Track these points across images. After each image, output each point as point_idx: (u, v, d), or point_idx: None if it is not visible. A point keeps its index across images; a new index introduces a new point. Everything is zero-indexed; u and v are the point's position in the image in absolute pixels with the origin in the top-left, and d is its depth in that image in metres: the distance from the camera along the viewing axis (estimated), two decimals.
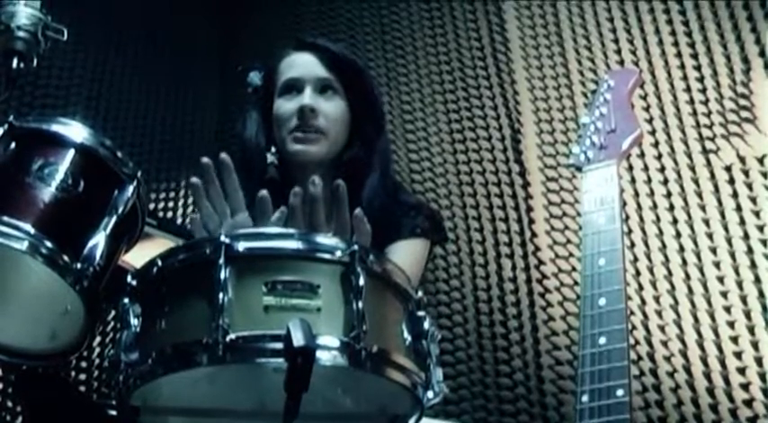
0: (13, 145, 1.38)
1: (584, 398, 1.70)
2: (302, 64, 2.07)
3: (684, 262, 2.53)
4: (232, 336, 1.13)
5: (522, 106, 3.17)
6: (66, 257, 1.25)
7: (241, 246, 1.21)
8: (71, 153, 1.37)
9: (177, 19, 4.70)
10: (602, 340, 1.73)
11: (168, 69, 4.64)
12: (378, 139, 2.10)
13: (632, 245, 2.62)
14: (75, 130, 1.40)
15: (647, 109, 2.74)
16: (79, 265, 1.25)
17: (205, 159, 1.54)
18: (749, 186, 2.47)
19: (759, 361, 2.31)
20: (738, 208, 2.47)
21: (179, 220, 4.33)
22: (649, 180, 2.69)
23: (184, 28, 4.78)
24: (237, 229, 1.47)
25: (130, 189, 1.36)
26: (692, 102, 2.67)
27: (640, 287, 2.59)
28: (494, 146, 3.21)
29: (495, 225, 3.07)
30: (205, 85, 4.82)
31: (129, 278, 1.29)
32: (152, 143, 4.45)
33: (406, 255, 1.96)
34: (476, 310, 3.00)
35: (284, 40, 4.08)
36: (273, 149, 2.05)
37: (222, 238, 1.20)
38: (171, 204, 4.30)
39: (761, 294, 2.36)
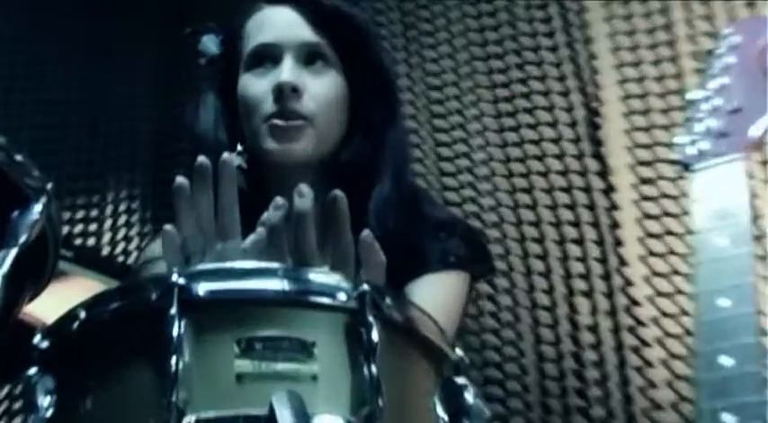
0: None
1: None
2: (279, 23, 2.07)
3: None
4: (191, 418, 1.13)
5: (603, 76, 3.18)
6: None
7: (201, 288, 1.21)
8: None
9: None
10: (730, 419, 1.72)
11: (85, 35, 4.66)
12: (389, 129, 2.11)
13: None
14: None
15: None
16: None
17: (202, 158, 1.51)
18: None
19: None
20: None
21: (105, 251, 4.35)
22: None
23: None
24: (226, 260, 1.46)
25: (37, 208, 1.36)
26: None
27: None
28: (561, 134, 3.22)
29: (564, 249, 3.08)
30: (137, 59, 4.84)
31: (36, 338, 1.29)
32: (63, 143, 4.47)
33: (437, 295, 1.97)
34: (540, 374, 3.00)
35: None
36: (240, 147, 2.05)
37: (174, 277, 1.21)
38: (93, 228, 4.35)
39: None
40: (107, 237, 4.52)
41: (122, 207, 4.66)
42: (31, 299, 1.45)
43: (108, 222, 4.56)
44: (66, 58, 4.59)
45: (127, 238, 4.60)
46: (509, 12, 3.47)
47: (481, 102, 3.44)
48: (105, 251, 4.43)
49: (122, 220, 4.63)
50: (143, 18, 4.81)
